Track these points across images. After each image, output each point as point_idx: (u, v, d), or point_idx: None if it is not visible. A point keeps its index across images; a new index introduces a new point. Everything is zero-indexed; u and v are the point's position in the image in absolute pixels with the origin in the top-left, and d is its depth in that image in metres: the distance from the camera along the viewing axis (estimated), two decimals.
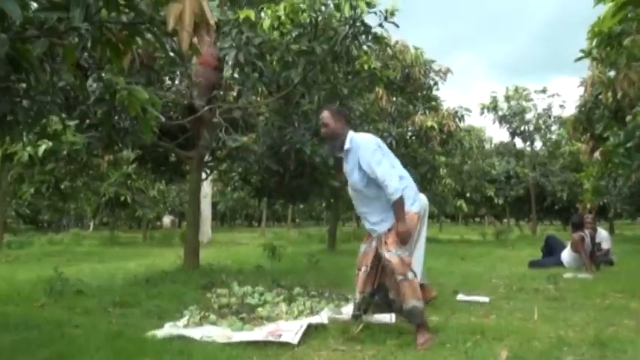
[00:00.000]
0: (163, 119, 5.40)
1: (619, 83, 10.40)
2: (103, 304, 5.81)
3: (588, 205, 18.85)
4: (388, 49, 13.64)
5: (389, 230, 4.39)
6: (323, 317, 4.92)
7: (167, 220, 45.08)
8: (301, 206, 34.00)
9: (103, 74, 4.21)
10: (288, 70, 7.67)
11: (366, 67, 7.95)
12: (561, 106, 28.28)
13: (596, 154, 12.60)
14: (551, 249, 10.50)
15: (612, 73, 11.36)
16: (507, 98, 27.36)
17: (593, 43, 8.09)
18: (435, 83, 16.67)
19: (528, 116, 27.50)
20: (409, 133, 16.23)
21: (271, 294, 6.02)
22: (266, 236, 25.88)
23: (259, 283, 6.79)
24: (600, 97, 12.12)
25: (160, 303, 5.88)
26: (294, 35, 7.14)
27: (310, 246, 17.24)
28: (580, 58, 8.90)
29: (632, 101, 10.42)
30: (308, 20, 6.94)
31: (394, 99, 16.12)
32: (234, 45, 7.17)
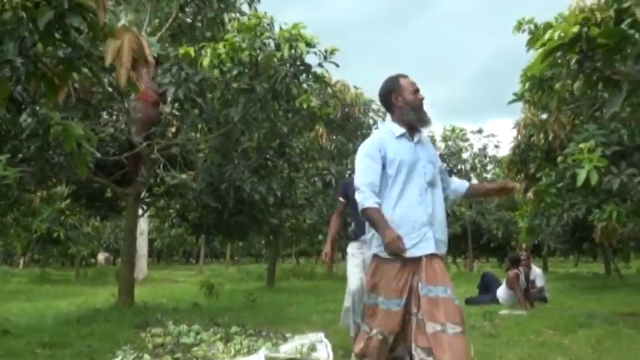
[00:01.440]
0: (99, 155, 5.32)
1: (550, 126, 10.82)
2: (30, 345, 5.59)
3: (523, 244, 19.29)
4: (328, 88, 13.81)
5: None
6: (260, 356, 4.87)
7: (102, 257, 43.86)
8: (240, 243, 33.65)
9: (38, 108, 4.13)
10: (228, 108, 7.68)
11: (305, 105, 8.03)
12: (496, 146, 29.04)
13: (530, 194, 12.95)
14: (488, 286, 10.68)
15: (544, 116, 11.76)
16: (445, 138, 28.00)
17: (526, 87, 8.38)
18: (375, 122, 16.94)
19: (465, 156, 28.18)
20: (348, 172, 16.37)
21: (208, 333, 5.92)
22: (204, 273, 25.47)
23: (195, 321, 6.67)
24: (533, 138, 12.48)
25: (92, 343, 5.70)
26: (234, 73, 7.17)
27: (249, 283, 17.08)
28: (513, 101, 9.20)
29: (562, 143, 10.81)
30: (248, 59, 6.98)
31: (334, 137, 16.29)
32: (173, 81, 7.15)
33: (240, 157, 9.55)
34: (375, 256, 3.27)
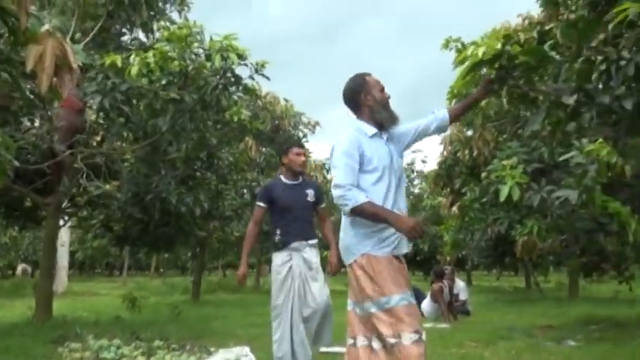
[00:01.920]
0: (17, 164, 5.13)
1: (475, 142, 11.13)
2: None
3: (448, 257, 19.68)
4: (258, 100, 13.81)
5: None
6: None
7: (20, 268, 42.20)
8: (166, 255, 33.08)
9: None
10: (156, 118, 7.54)
11: (236, 118, 7.98)
12: (423, 161, 29.70)
13: (455, 209, 13.25)
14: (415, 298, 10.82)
15: (469, 133, 12.09)
16: None
17: (452, 103, 8.59)
18: (305, 135, 17.03)
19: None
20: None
21: (129, 347, 5.77)
22: (127, 286, 24.83)
23: (117, 335, 6.48)
24: (459, 154, 12.80)
25: (7, 359, 5.47)
26: (163, 83, 7.05)
27: (174, 296, 16.78)
28: None
29: (486, 159, 11.12)
30: (178, 69, 6.88)
31: (263, 149, 16.27)
32: (99, 89, 6.98)
33: (168, 168, 9.40)
34: (367, 257, 3.04)
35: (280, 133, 16.10)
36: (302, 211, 4.91)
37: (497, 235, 12.11)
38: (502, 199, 5.72)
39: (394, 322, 2.92)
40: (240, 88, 7.69)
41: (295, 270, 4.73)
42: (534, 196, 6.44)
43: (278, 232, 4.83)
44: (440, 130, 3.48)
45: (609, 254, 9.75)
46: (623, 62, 3.30)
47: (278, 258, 4.82)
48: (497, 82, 3.58)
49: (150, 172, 9.34)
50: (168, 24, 8.56)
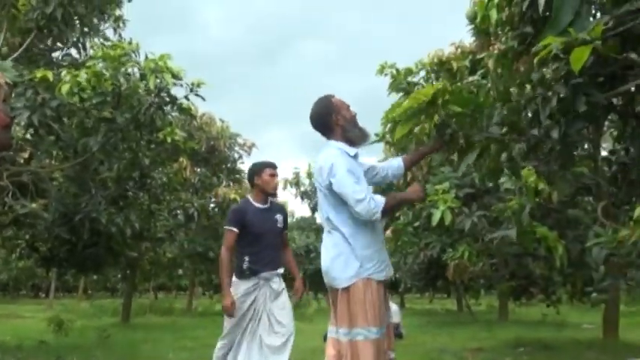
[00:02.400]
0: None
1: None
2: None
3: None
4: (194, 120, 13.72)
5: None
6: None
7: None
8: (94, 277, 32.20)
9: None
10: (87, 136, 7.39)
11: (169, 137, 7.89)
12: None
13: (388, 232, 13.43)
14: None
15: None
16: (309, 174, 28.46)
17: (387, 128, 8.72)
18: (240, 156, 17.01)
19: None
20: (212, 205, 16.25)
21: None
22: (54, 308, 24.04)
23: None
24: None
25: None
26: (95, 102, 6.92)
27: (102, 319, 16.34)
28: (374, 142, 9.55)
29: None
30: (111, 88, 6.78)
31: (198, 170, 16.14)
32: (27, 105, 6.79)
33: (98, 188, 9.19)
34: (362, 279, 3.02)
35: (215, 154, 16.02)
36: (273, 238, 4.67)
37: (430, 259, 12.31)
38: (434, 223, 5.85)
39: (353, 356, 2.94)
40: (175, 107, 7.62)
41: (259, 301, 4.50)
42: (466, 221, 6.61)
43: (247, 259, 4.53)
44: (395, 177, 3.57)
45: (537, 278, 10.04)
46: (550, 94, 3.45)
47: (241, 287, 4.51)
48: (436, 131, 3.70)
49: (79, 192, 9.11)
50: (102, 41, 8.44)
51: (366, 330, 2.95)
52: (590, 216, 6.20)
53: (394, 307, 11.00)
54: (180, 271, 22.84)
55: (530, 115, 3.67)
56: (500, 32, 5.37)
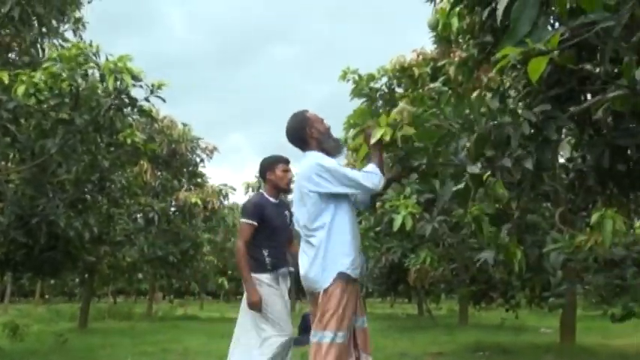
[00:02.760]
0: None
1: None
2: None
3: None
4: (155, 123, 13.59)
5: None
6: None
7: None
8: (52, 281, 31.59)
9: None
10: (45, 138, 7.25)
11: (129, 140, 7.79)
12: None
13: None
14: (307, 326, 10.82)
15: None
16: None
17: (349, 134, 8.74)
18: (202, 160, 16.89)
19: (290, 197, 28.68)
20: (172, 209, 16.09)
21: None
22: (9, 313, 23.51)
23: None
24: None
25: None
26: (52, 103, 6.80)
27: (60, 324, 16.03)
28: None
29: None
30: (69, 89, 6.66)
31: (159, 173, 15.97)
32: None
33: (56, 191, 9.02)
34: (341, 278, 3.14)
35: (177, 158, 15.88)
36: (285, 234, 4.63)
37: (391, 263, 12.40)
38: (395, 228, 5.88)
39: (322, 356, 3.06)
40: (135, 110, 7.52)
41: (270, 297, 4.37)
42: (426, 226, 6.65)
43: (266, 253, 4.42)
44: (363, 204, 3.64)
45: (497, 283, 10.19)
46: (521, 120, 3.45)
47: (264, 280, 4.38)
48: (399, 164, 3.75)
49: (36, 195, 8.92)
50: (60, 42, 8.30)
51: (333, 333, 3.05)
52: (548, 222, 6.32)
53: None
54: (140, 276, 22.53)
55: (496, 143, 3.66)
56: (461, 40, 5.45)
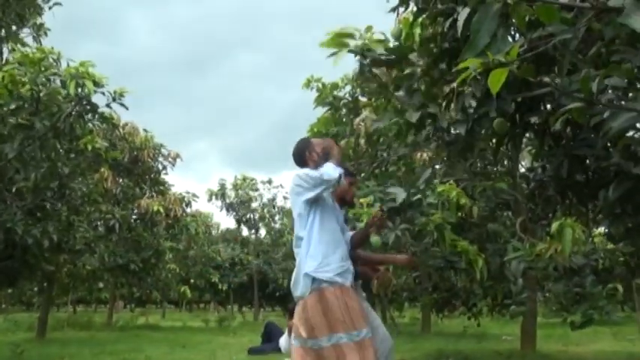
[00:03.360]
0: None
1: None
2: None
3: None
4: (117, 130, 13.43)
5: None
6: None
7: None
8: (9, 290, 30.93)
9: None
10: (2, 143, 7.11)
11: (90, 146, 7.68)
12: (285, 197, 29.88)
13: None
14: (270, 335, 10.79)
15: None
16: (235, 186, 28.29)
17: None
18: (164, 167, 16.73)
19: (254, 205, 28.62)
20: (134, 216, 15.90)
21: None
22: None
23: None
24: None
25: None
26: (12, 107, 6.68)
27: (17, 334, 15.66)
28: None
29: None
30: (29, 94, 6.56)
31: (120, 180, 15.77)
32: None
33: (14, 198, 8.85)
34: (326, 285, 3.33)
35: (139, 165, 15.70)
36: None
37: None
38: None
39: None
40: (97, 116, 7.43)
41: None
42: (390, 234, 6.68)
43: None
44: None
45: (459, 291, 10.29)
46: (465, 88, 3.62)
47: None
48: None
49: None
50: (19, 47, 8.16)
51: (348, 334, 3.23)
52: (509, 230, 6.41)
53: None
54: (101, 284, 22.19)
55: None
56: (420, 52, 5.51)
